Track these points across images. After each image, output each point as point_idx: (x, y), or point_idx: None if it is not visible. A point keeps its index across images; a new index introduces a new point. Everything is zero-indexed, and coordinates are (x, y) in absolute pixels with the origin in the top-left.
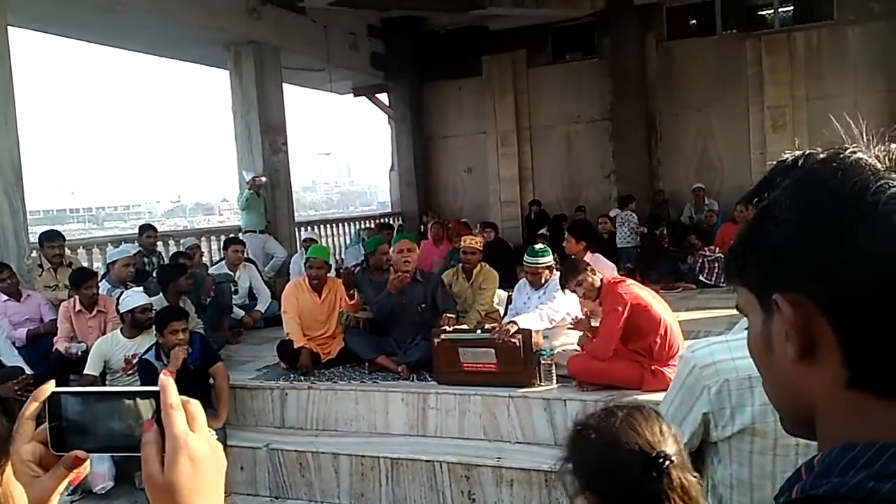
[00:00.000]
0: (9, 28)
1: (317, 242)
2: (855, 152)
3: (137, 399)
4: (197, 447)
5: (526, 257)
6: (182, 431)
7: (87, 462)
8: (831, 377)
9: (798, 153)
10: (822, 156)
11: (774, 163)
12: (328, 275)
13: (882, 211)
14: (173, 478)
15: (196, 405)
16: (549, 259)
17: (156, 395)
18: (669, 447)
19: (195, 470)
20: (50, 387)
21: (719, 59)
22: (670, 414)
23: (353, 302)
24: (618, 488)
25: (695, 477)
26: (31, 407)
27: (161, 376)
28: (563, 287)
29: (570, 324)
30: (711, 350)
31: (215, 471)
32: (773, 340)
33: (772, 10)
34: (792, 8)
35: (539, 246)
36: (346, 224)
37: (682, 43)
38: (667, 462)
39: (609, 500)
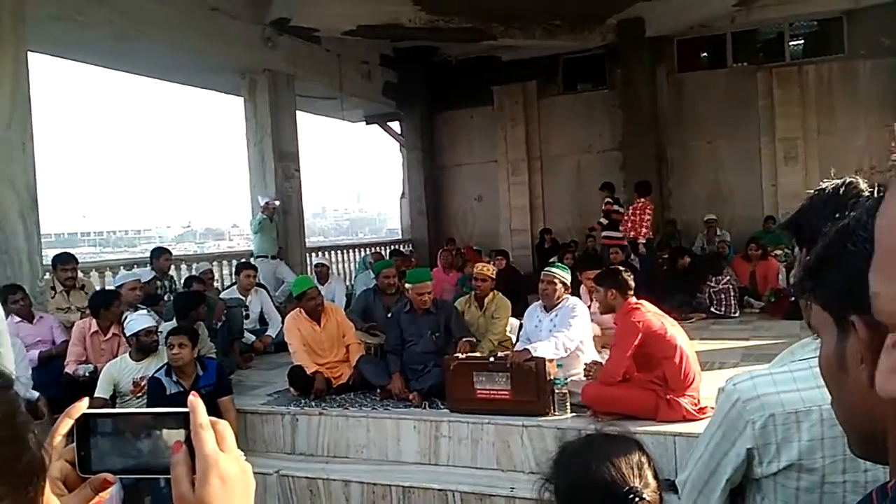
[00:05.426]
0: (28, 53)
1: (327, 267)
2: None
3: (167, 420)
4: (227, 467)
5: (546, 268)
6: (212, 451)
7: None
8: None
9: (838, 181)
10: None
11: (813, 192)
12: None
13: None
14: (204, 497)
15: (225, 425)
16: (566, 274)
17: (185, 417)
18: (642, 482)
19: (225, 489)
20: (83, 406)
21: (730, 91)
22: (710, 448)
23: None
24: None
25: None
26: (64, 424)
27: (190, 397)
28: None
29: (585, 368)
30: (755, 383)
31: (245, 490)
32: (847, 362)
33: (783, 43)
34: (803, 41)
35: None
36: (356, 250)
37: (693, 75)
38: (636, 498)
39: None
